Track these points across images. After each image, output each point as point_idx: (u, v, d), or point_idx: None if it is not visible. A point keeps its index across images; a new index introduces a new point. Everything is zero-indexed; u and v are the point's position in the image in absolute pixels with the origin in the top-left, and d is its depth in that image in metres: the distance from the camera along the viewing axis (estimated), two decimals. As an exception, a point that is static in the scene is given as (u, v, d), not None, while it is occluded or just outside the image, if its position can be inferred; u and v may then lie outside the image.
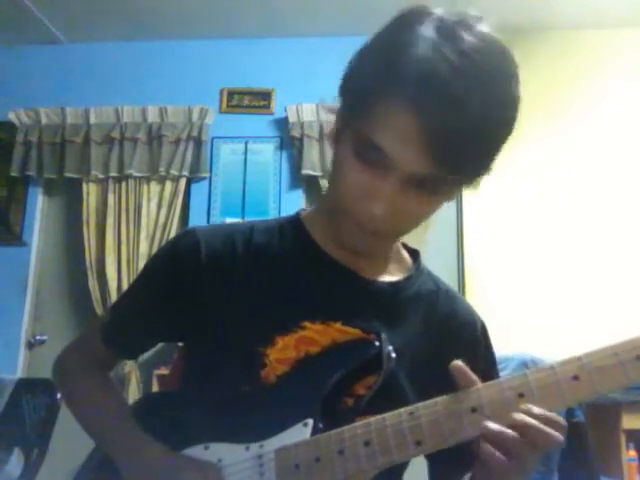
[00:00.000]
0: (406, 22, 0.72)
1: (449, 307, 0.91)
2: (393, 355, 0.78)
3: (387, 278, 0.88)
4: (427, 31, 0.69)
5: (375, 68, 0.71)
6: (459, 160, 0.70)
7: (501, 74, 0.71)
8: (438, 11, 0.73)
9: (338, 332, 0.81)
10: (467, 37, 0.69)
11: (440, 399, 0.68)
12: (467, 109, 0.66)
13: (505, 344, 1.08)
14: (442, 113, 0.66)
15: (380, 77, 0.70)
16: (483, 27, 0.72)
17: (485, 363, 0.91)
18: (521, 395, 0.65)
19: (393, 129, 0.69)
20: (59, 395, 2.22)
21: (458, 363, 0.68)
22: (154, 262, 0.94)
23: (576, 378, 0.64)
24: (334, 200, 0.79)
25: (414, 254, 0.95)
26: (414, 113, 0.67)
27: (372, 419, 0.70)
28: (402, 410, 0.69)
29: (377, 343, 0.78)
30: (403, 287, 0.88)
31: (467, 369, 0.68)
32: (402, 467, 0.87)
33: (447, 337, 0.88)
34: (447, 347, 0.86)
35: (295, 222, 0.91)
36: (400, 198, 0.73)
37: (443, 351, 0.84)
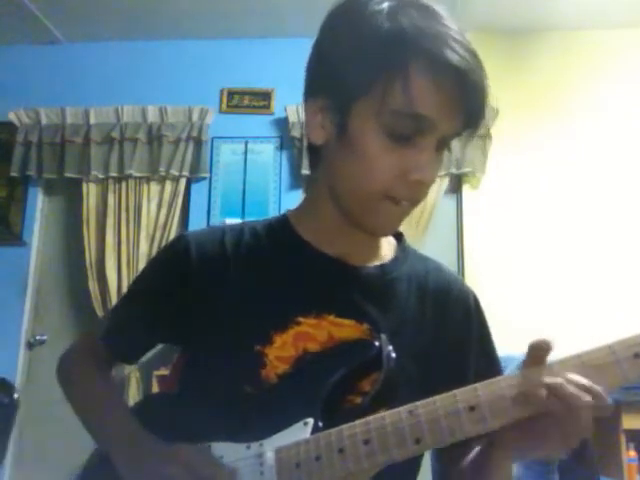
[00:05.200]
0: (361, 6, 0.77)
1: (441, 283, 0.93)
2: (393, 355, 0.79)
3: (376, 262, 0.90)
4: (408, 11, 0.74)
5: (382, 51, 0.73)
6: (481, 114, 0.75)
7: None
8: None
9: (332, 325, 0.82)
10: (430, 5, 0.75)
11: (439, 397, 0.68)
12: (480, 63, 0.73)
13: (505, 344, 1.09)
14: (470, 69, 0.71)
15: (400, 54, 0.72)
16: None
17: (480, 331, 0.93)
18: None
19: (436, 93, 0.72)
20: (16, 395, 2.19)
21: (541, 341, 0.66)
22: (149, 268, 0.97)
23: (574, 377, 0.64)
24: (363, 192, 0.78)
25: (398, 236, 0.96)
26: (450, 73, 0.71)
27: (371, 417, 0.71)
28: (401, 409, 0.70)
29: (377, 343, 0.79)
30: (390, 269, 0.90)
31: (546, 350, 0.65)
32: (415, 470, 0.88)
33: (443, 312, 0.90)
34: (444, 322, 0.88)
35: (282, 221, 0.93)
36: (434, 161, 0.77)
37: (441, 326, 0.87)
